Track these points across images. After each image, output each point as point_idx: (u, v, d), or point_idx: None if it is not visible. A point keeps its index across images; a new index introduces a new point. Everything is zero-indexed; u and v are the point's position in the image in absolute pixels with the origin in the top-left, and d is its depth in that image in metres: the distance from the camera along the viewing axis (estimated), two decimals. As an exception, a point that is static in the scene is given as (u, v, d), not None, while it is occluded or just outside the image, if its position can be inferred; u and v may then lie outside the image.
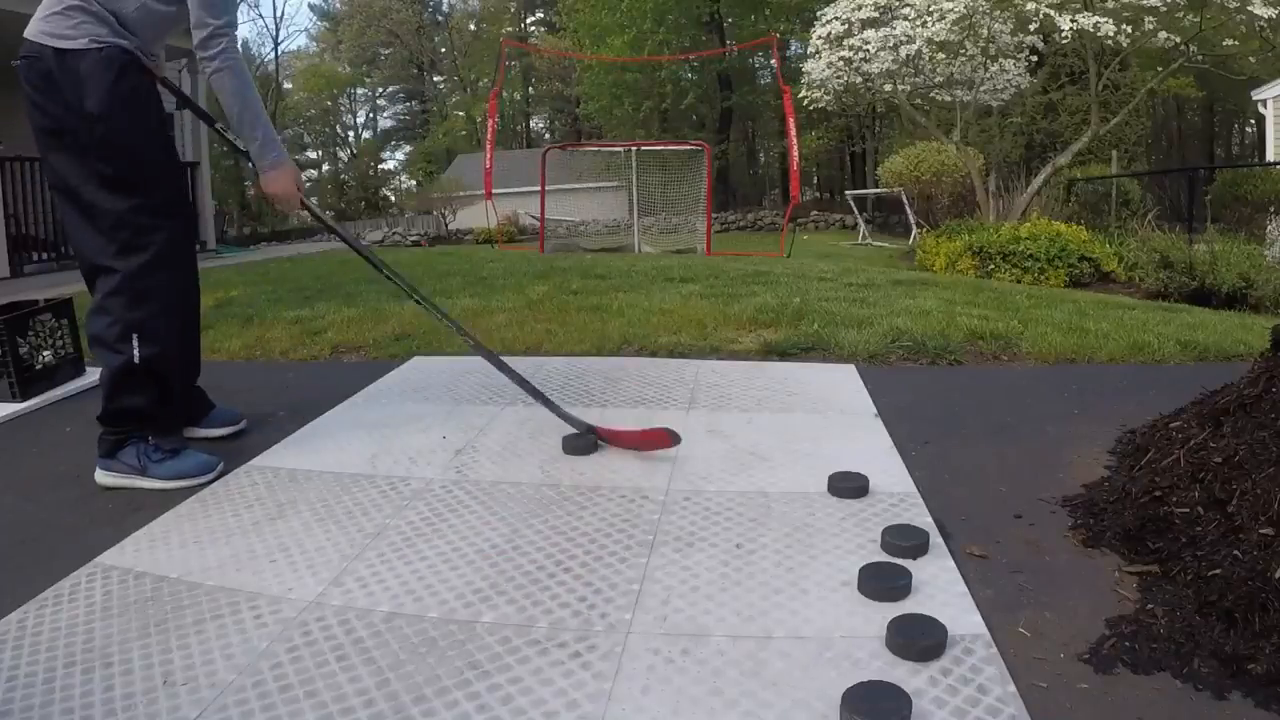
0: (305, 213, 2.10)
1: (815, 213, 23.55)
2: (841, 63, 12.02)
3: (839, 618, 1.23)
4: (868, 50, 11.61)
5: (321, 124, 43.01)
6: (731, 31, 27.26)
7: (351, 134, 45.65)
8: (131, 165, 1.76)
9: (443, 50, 42.25)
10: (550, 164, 13.79)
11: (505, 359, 2.91)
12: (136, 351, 1.79)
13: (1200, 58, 10.54)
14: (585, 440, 1.92)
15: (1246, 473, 1.36)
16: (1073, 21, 9.61)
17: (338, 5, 42.29)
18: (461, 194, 22.11)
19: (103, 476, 1.86)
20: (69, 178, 1.75)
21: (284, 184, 1.91)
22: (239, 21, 1.87)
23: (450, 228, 21.63)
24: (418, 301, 2.13)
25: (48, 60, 1.68)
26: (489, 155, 13.22)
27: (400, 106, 45.93)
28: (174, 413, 1.99)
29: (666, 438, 1.89)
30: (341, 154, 45.15)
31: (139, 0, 1.75)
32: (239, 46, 1.82)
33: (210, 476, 1.85)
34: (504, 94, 21.75)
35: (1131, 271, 7.11)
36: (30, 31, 1.71)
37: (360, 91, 44.66)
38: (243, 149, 1.88)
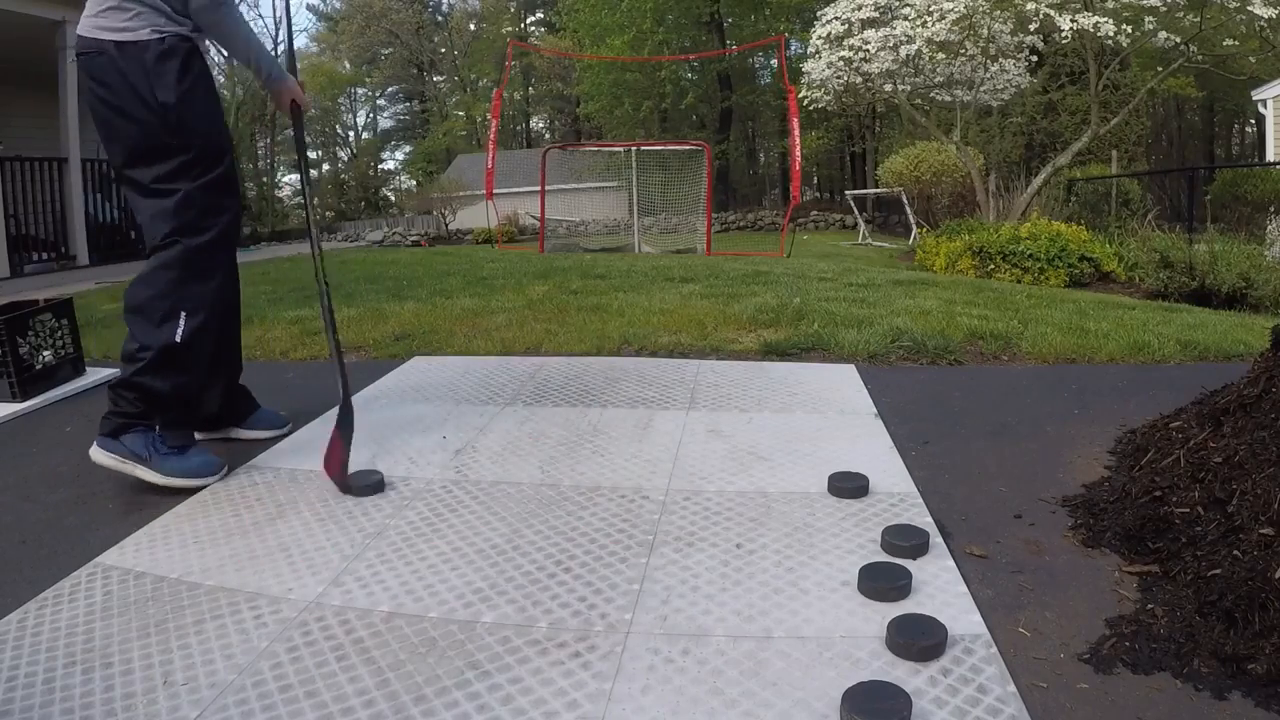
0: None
1: (815, 213, 23.55)
2: (841, 63, 12.03)
3: (839, 618, 1.23)
4: (868, 50, 11.62)
5: (321, 124, 42.99)
6: (731, 31, 27.26)
7: (351, 134, 45.71)
8: (202, 148, 1.81)
9: (443, 50, 42.25)
10: (550, 164, 13.79)
11: (505, 359, 2.91)
12: (181, 329, 1.79)
13: (1200, 58, 10.54)
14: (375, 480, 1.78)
15: (1246, 473, 1.36)
16: (1073, 21, 9.61)
17: (336, 5, 42.32)
18: (461, 194, 22.11)
19: (100, 454, 1.80)
20: (138, 163, 1.79)
21: (294, 90, 2.00)
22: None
23: (450, 228, 21.62)
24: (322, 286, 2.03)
25: (110, 54, 1.72)
26: (491, 155, 13.21)
27: (400, 106, 45.96)
28: (191, 409, 1.92)
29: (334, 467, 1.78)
30: (341, 154, 45.18)
31: None
32: None
33: (215, 478, 1.83)
34: (505, 94, 21.68)
35: (1131, 271, 7.11)
36: (85, 28, 1.75)
37: (360, 91, 44.68)
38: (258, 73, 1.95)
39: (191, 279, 1.81)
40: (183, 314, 1.79)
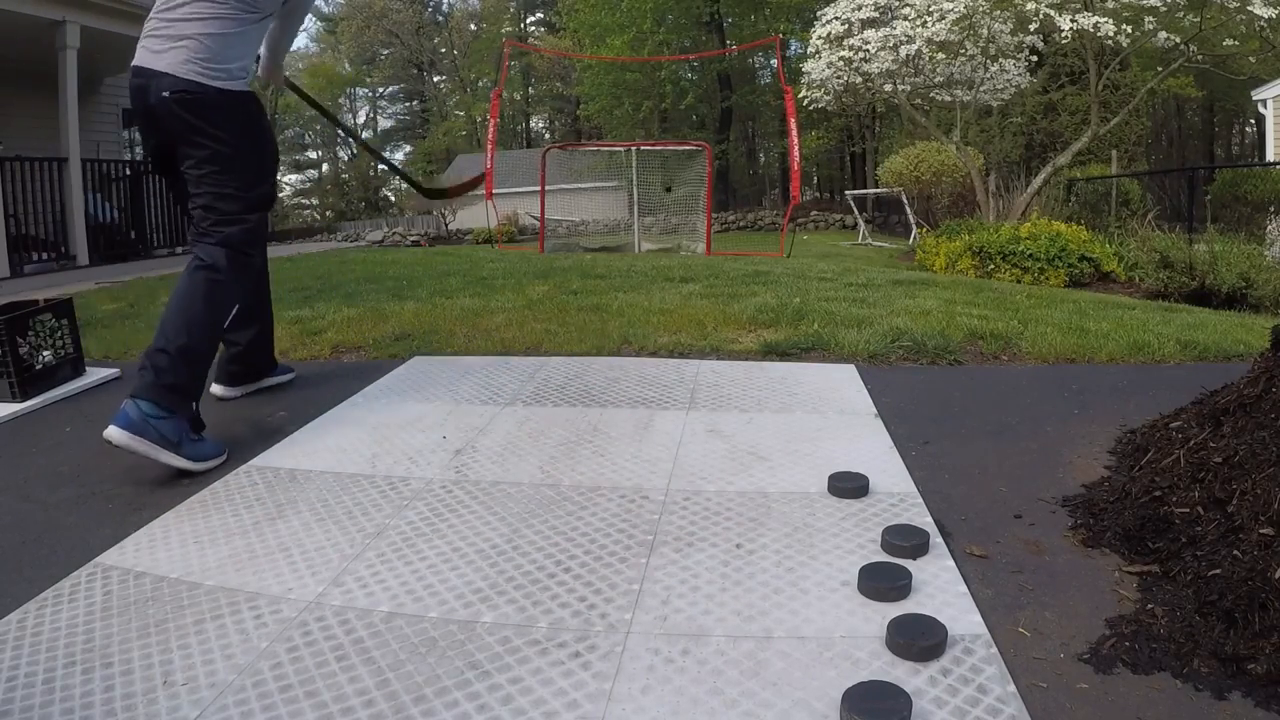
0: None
1: (815, 213, 23.55)
2: (841, 63, 12.03)
3: (839, 618, 1.23)
4: (868, 50, 11.62)
5: (322, 124, 42.99)
6: (731, 31, 27.27)
7: (351, 134, 45.64)
8: (272, 180, 2.28)
9: (443, 50, 42.25)
10: (550, 164, 13.78)
11: (505, 359, 2.92)
12: (227, 323, 2.11)
13: (1200, 58, 10.54)
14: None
15: (1246, 473, 1.36)
16: (1073, 21, 9.61)
17: (338, 4, 42.30)
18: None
19: (123, 436, 1.80)
20: (224, 194, 2.08)
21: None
22: None
23: (450, 228, 21.63)
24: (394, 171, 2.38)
25: (211, 97, 2.01)
26: (490, 155, 13.20)
27: (400, 106, 45.97)
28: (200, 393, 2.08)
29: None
30: (342, 154, 45.16)
31: (252, 54, 2.16)
32: None
33: (222, 459, 1.96)
34: (504, 94, 21.66)
35: (1131, 271, 7.11)
36: (183, 69, 1.99)
37: (360, 91, 44.69)
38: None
39: (241, 288, 2.13)
40: (236, 309, 2.13)
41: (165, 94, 1.98)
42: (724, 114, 28.18)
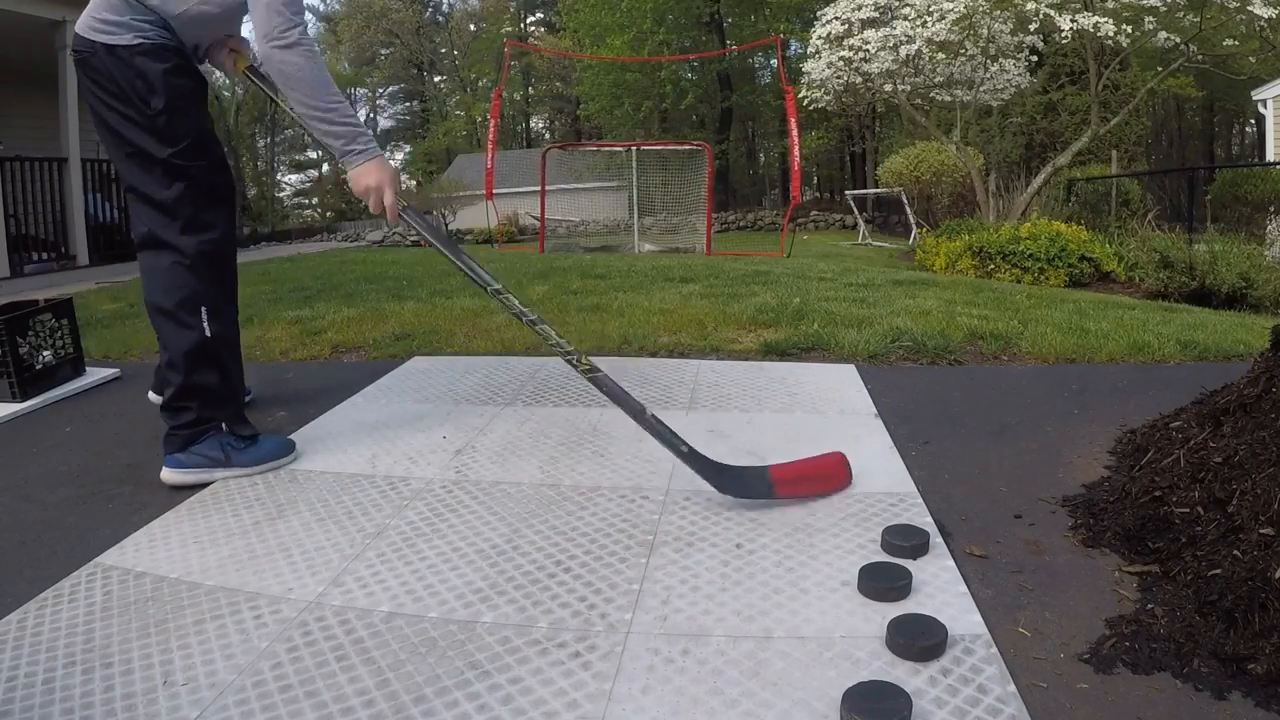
0: (403, 226, 1.86)
1: (815, 213, 23.56)
2: (841, 63, 12.02)
3: (839, 618, 1.23)
4: (868, 50, 11.62)
5: (321, 124, 42.93)
6: (731, 32, 27.27)
7: (351, 134, 45.60)
8: (194, 152, 1.80)
9: (443, 50, 42.26)
10: (550, 164, 13.78)
11: (505, 359, 2.91)
12: (206, 326, 1.80)
13: (1200, 58, 10.54)
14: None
15: (1246, 473, 1.36)
16: (1073, 21, 9.61)
17: (336, 6, 42.33)
18: (461, 194, 22.12)
19: (176, 475, 1.80)
20: (134, 164, 1.78)
21: (376, 176, 1.72)
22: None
23: (450, 228, 21.63)
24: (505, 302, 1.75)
25: (101, 56, 1.70)
26: (490, 155, 13.20)
27: (400, 106, 45.94)
28: (240, 398, 1.96)
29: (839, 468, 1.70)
30: (341, 154, 45.07)
31: (190, 3, 1.74)
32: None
33: (292, 457, 1.89)
34: (504, 94, 21.64)
35: (1131, 271, 7.11)
36: (81, 25, 1.73)
37: (360, 91, 44.68)
38: (329, 145, 1.72)
39: (202, 277, 1.81)
40: (203, 309, 1.80)
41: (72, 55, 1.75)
42: (724, 114, 28.17)
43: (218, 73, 1.86)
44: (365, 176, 1.72)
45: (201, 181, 1.82)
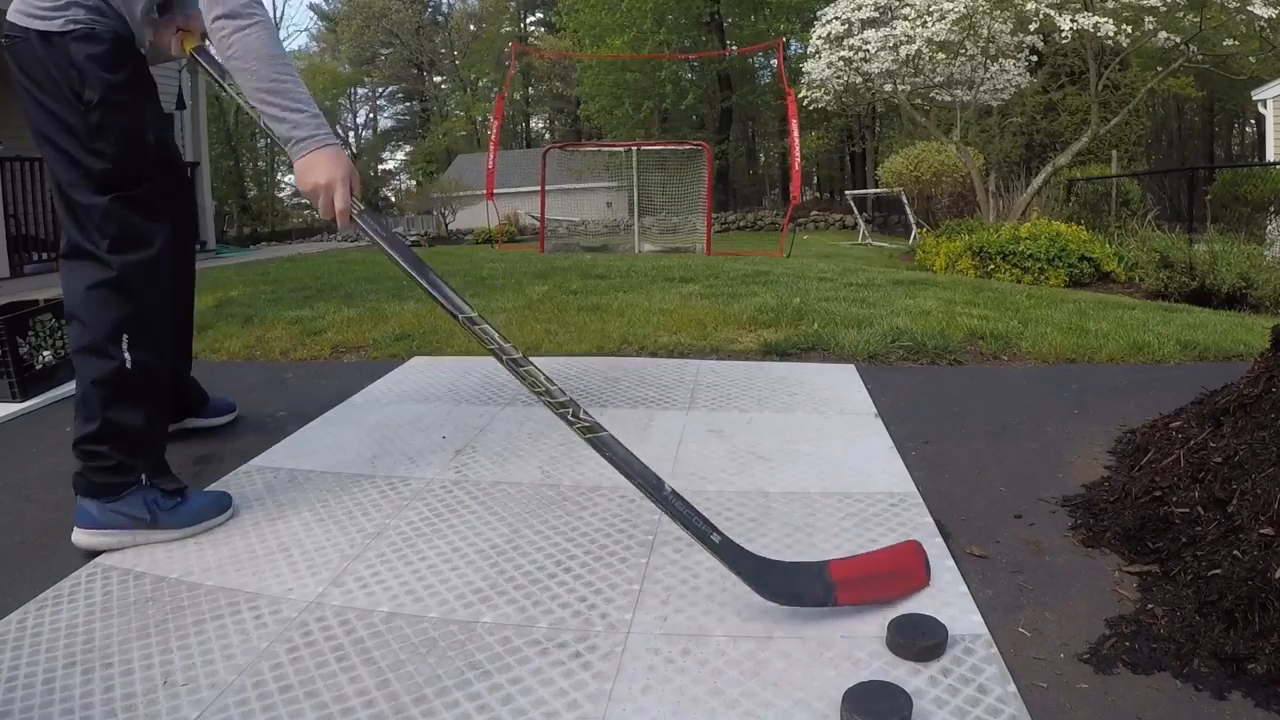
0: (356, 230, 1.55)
1: (815, 213, 23.54)
2: (841, 63, 12.02)
3: (839, 618, 1.23)
4: (868, 50, 11.62)
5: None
6: (731, 32, 27.28)
7: (352, 134, 45.71)
8: (129, 157, 1.57)
9: (443, 50, 42.26)
10: (550, 164, 13.78)
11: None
12: (128, 355, 1.54)
13: (1200, 58, 10.54)
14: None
15: (1246, 473, 1.36)
16: (1073, 21, 9.61)
17: (338, 5, 42.34)
18: (461, 194, 22.10)
19: (89, 538, 1.50)
20: (60, 165, 1.56)
21: (327, 172, 1.45)
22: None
23: (450, 228, 21.61)
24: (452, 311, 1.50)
25: (33, 43, 1.50)
26: (492, 156, 13.21)
27: (400, 106, 45.96)
28: (162, 444, 1.68)
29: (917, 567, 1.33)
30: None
31: None
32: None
33: (229, 515, 1.62)
34: (505, 94, 21.66)
35: (1131, 271, 7.11)
36: (11, 11, 1.51)
37: (360, 91, 44.70)
38: (276, 131, 1.46)
39: (128, 300, 1.56)
40: (125, 338, 1.55)
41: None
42: (724, 114, 28.18)
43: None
44: (313, 171, 1.44)
45: (140, 189, 1.59)
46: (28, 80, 1.52)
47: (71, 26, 1.50)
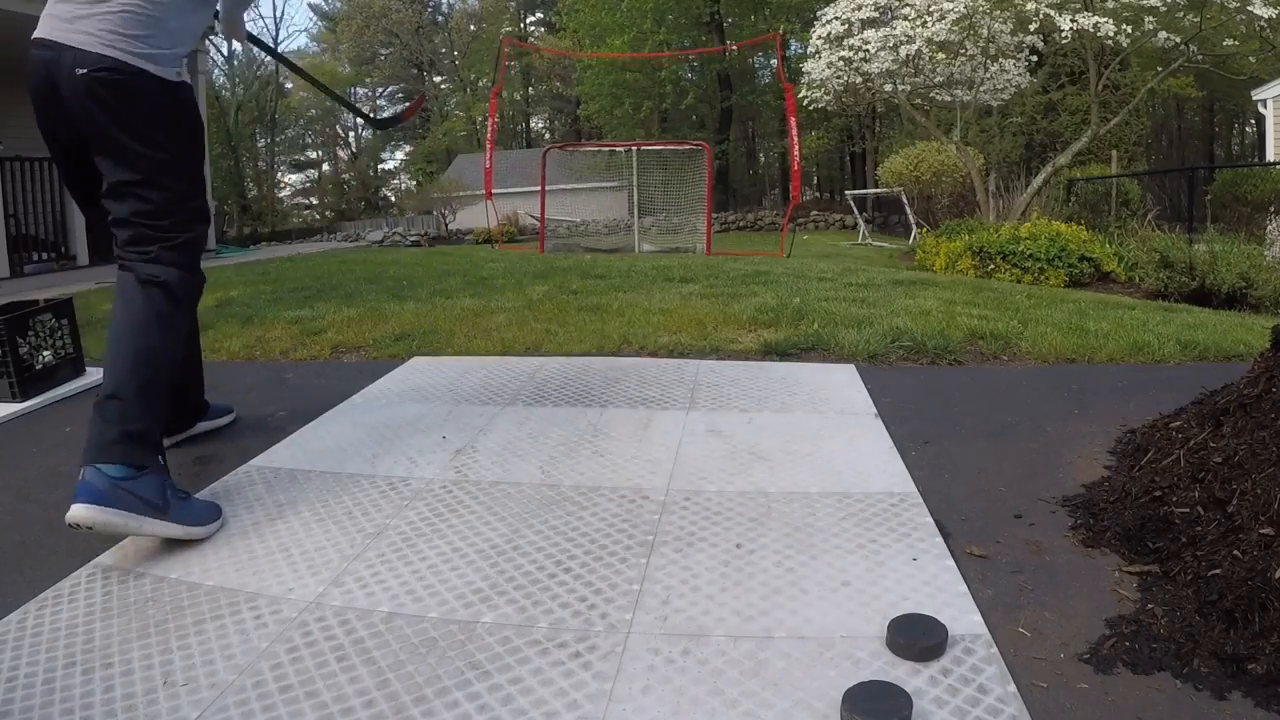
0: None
1: (815, 213, 23.54)
2: (841, 63, 12.02)
3: (839, 618, 1.23)
4: (868, 50, 11.61)
5: (322, 124, 43.03)
6: (731, 31, 27.26)
7: (352, 134, 45.72)
8: (187, 178, 1.76)
9: (443, 50, 42.26)
10: (550, 164, 13.78)
11: (505, 359, 2.91)
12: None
13: (1200, 58, 10.54)
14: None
15: (1246, 473, 1.36)
16: (1073, 21, 9.61)
17: (337, 5, 42.34)
18: (461, 194, 22.10)
19: (91, 512, 1.39)
20: (167, 202, 1.69)
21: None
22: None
23: (450, 228, 21.61)
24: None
25: (139, 81, 1.60)
26: (489, 155, 13.21)
27: (400, 107, 45.92)
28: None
29: None
30: (342, 154, 45.20)
31: (197, 28, 1.77)
32: None
33: (219, 524, 1.59)
34: (504, 94, 21.69)
35: (1131, 271, 7.11)
36: (106, 47, 1.57)
37: (360, 91, 44.68)
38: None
39: (186, 318, 1.78)
40: (174, 351, 1.74)
41: (80, 71, 1.56)
42: (724, 114, 28.18)
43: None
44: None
45: (186, 204, 1.75)
46: (134, 119, 1.62)
47: (179, 79, 1.70)
